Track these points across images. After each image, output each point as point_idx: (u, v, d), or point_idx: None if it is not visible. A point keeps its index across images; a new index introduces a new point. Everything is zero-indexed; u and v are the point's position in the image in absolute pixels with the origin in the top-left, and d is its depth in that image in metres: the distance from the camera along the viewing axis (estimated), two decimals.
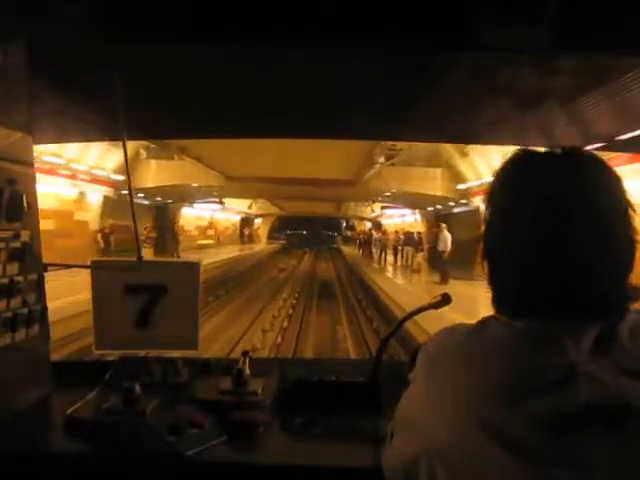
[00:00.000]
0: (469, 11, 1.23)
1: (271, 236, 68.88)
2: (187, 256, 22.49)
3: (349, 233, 68.38)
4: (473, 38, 1.24)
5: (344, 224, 76.73)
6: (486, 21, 1.23)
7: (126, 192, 1.85)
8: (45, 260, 1.61)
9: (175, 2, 1.31)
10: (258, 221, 64.05)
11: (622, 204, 0.78)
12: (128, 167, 1.59)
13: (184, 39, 1.41)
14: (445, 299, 1.46)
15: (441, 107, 2.37)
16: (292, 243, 70.35)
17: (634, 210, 0.78)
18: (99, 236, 21.68)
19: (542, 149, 0.84)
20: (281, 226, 78.39)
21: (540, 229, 0.77)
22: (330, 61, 1.78)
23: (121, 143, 1.62)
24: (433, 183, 25.18)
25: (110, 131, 2.01)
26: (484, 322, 0.83)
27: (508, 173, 0.85)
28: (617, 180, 0.80)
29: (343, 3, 1.26)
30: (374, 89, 2.15)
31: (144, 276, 1.66)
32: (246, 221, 55.72)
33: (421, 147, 22.95)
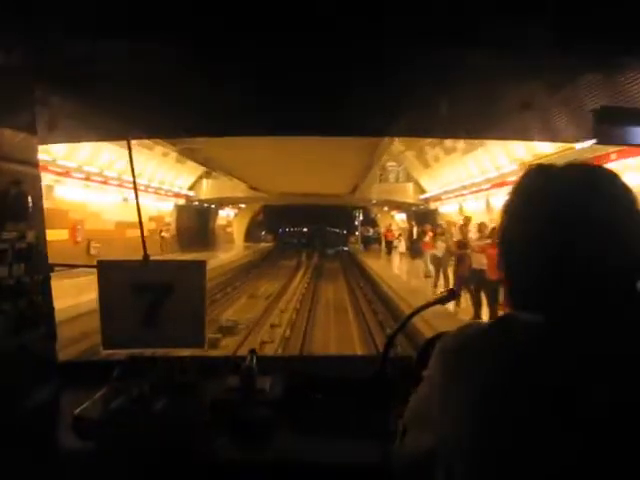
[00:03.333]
0: (469, 10, 1.23)
1: (251, 236, 45.84)
2: None
3: (370, 231, 43.75)
4: (474, 36, 1.24)
5: (359, 217, 49.52)
6: (487, 19, 1.23)
7: None
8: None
9: (175, 2, 1.31)
10: (227, 214, 41.24)
11: (634, 212, 0.81)
12: (133, 167, 1.59)
13: (185, 38, 1.41)
14: (451, 294, 1.47)
15: (441, 105, 2.37)
16: (282, 247, 48.69)
17: None
18: None
19: (557, 164, 0.87)
20: (268, 222, 54.37)
21: (556, 238, 0.80)
22: (329, 61, 1.78)
23: None
24: None
25: (114, 131, 2.01)
26: (502, 319, 0.83)
27: (525, 188, 0.88)
28: (629, 190, 0.83)
29: (343, 3, 1.26)
30: (373, 88, 2.15)
31: (150, 275, 1.66)
32: (196, 213, 32.30)
33: None
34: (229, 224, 42.37)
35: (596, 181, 0.83)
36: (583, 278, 0.78)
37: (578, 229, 0.79)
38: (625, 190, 0.83)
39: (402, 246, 27.10)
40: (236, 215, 43.14)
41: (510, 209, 0.88)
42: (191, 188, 29.87)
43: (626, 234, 0.79)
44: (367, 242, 40.06)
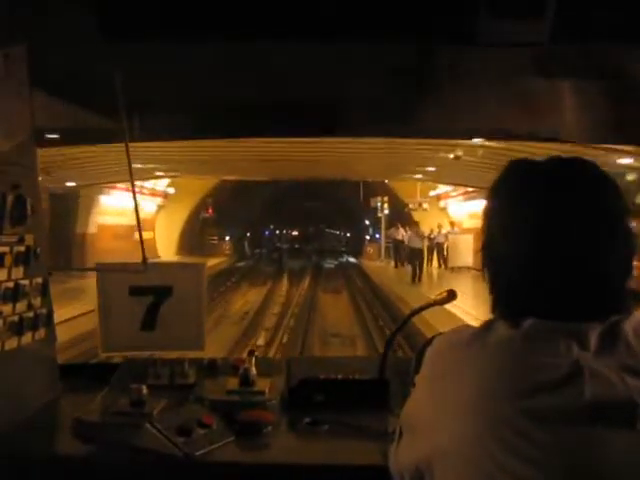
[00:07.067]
0: (469, 7, 1.23)
1: (194, 246, 26.96)
2: None
3: (423, 236, 18.29)
4: (473, 34, 1.24)
5: (383, 210, 26.10)
6: (486, 17, 1.24)
7: None
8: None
9: (174, 2, 1.32)
10: (146, 205, 22.05)
11: (621, 209, 0.80)
12: (131, 170, 1.60)
13: (183, 39, 1.42)
14: (450, 295, 1.48)
15: (442, 104, 2.37)
16: (242, 261, 31.20)
17: (632, 215, 0.81)
18: None
19: (539, 159, 0.85)
20: (228, 214, 32.65)
21: (542, 236, 0.79)
22: (330, 60, 1.79)
23: None
24: None
25: (113, 133, 2.02)
26: (489, 324, 0.83)
27: (506, 184, 0.86)
28: (614, 186, 0.82)
29: (343, 3, 1.26)
30: (373, 89, 2.16)
31: (149, 278, 1.66)
32: None
33: None
34: (146, 225, 20.87)
35: (580, 182, 0.81)
36: (564, 286, 0.77)
37: (561, 235, 0.78)
38: (612, 184, 0.82)
39: None
40: (161, 208, 23.96)
41: (491, 213, 0.87)
42: None
43: (610, 238, 0.78)
44: (412, 259, 17.49)
